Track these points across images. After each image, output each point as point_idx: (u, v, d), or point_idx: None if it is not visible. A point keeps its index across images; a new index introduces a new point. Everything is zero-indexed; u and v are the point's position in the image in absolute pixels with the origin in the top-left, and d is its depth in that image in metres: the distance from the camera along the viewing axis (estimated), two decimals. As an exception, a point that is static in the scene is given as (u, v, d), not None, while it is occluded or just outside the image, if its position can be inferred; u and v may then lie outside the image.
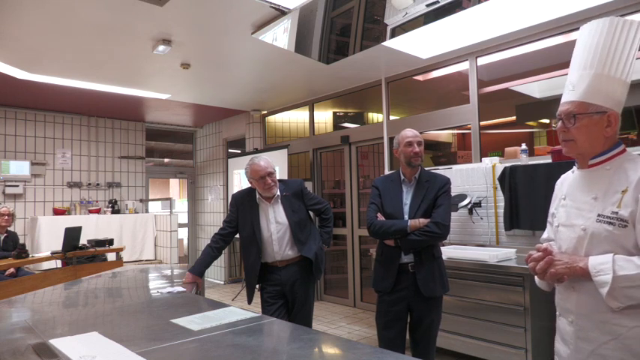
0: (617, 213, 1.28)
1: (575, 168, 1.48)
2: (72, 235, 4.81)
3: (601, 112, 1.33)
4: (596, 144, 1.37)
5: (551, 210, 1.55)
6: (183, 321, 1.75)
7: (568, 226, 1.41)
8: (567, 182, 1.50)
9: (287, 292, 2.75)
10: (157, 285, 2.75)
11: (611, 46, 1.34)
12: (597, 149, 1.37)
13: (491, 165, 3.86)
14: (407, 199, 2.49)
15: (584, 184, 1.41)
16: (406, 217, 2.44)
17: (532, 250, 1.43)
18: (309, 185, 5.72)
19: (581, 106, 1.35)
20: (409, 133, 2.51)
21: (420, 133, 2.59)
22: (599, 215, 1.31)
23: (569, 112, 1.37)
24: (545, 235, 1.63)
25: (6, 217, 4.84)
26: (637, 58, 1.38)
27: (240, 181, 6.55)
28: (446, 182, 2.50)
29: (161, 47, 3.88)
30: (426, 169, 2.60)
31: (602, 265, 1.25)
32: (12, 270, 4.60)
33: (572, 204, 1.42)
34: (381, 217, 2.48)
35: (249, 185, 2.83)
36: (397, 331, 2.46)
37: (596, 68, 1.34)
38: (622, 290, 1.22)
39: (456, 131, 5.07)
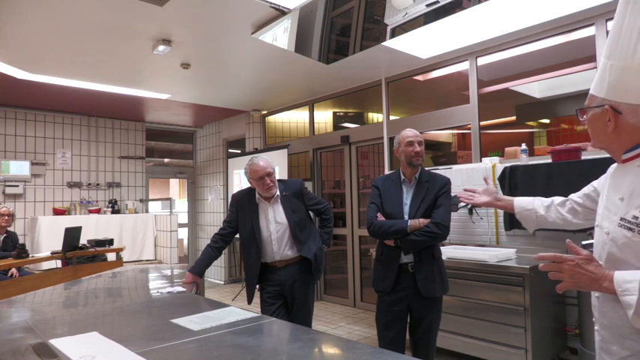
0: (637, 218, 1.12)
1: None
2: (72, 235, 4.81)
3: (601, 106, 1.21)
4: (604, 140, 1.24)
5: (599, 201, 1.36)
6: (183, 321, 1.75)
7: (598, 228, 1.27)
8: (609, 176, 1.33)
9: (286, 292, 2.74)
10: (156, 285, 2.74)
11: (618, 30, 1.18)
12: (611, 146, 1.24)
13: (492, 165, 3.86)
14: (407, 199, 2.49)
15: (615, 182, 1.26)
16: (406, 217, 2.44)
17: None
18: (309, 185, 5.72)
19: (589, 99, 1.26)
20: (410, 132, 2.52)
21: (420, 133, 2.59)
22: (621, 219, 1.16)
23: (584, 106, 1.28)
24: (574, 195, 1.49)
25: (6, 217, 4.84)
26: None
27: (240, 181, 6.55)
28: (446, 182, 2.50)
29: (161, 47, 3.88)
30: (426, 169, 2.60)
31: (628, 284, 1.07)
32: (14, 271, 4.60)
33: (605, 203, 1.28)
34: (381, 217, 2.48)
35: (249, 185, 2.83)
36: (397, 331, 2.46)
37: (605, 56, 1.20)
38: None
39: (456, 131, 5.07)
